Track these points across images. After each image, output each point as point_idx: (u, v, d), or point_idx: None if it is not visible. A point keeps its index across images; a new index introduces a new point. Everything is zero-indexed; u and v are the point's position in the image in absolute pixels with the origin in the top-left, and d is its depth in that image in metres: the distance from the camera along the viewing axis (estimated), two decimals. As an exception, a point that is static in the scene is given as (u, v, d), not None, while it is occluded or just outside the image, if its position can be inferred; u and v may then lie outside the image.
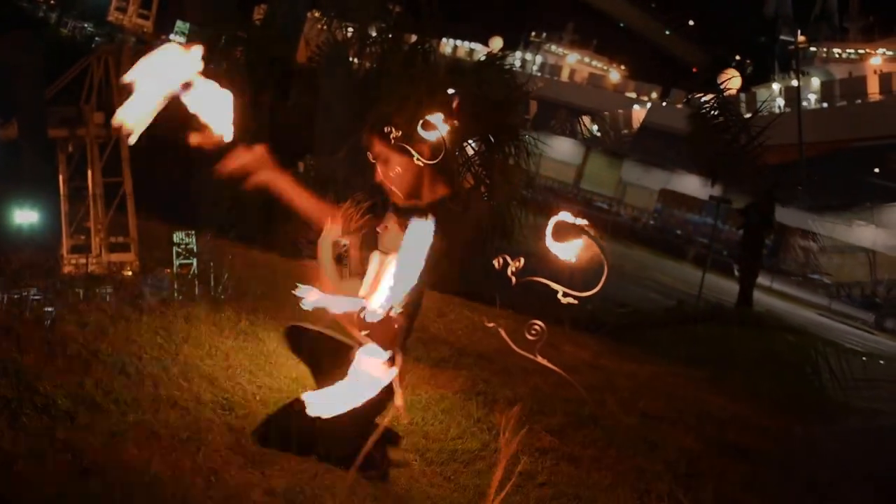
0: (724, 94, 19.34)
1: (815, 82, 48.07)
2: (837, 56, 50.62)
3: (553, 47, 63.39)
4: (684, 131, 20.06)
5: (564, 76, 61.05)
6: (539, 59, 62.19)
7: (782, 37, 54.41)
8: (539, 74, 56.33)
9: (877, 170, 38.49)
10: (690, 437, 5.72)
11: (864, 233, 39.06)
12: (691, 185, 41.60)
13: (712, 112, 18.38)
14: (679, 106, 48.96)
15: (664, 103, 52.12)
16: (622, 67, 62.67)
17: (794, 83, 45.28)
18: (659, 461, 4.94)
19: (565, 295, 3.14)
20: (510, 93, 10.61)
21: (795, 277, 34.09)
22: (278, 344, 4.85)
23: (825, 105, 46.28)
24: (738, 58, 55.26)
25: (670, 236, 38.59)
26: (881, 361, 14.43)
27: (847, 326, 24.02)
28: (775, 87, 48.52)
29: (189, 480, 2.97)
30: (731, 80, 21.57)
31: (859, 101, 44.12)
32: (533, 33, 62.86)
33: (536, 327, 3.13)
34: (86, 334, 4.17)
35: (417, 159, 3.41)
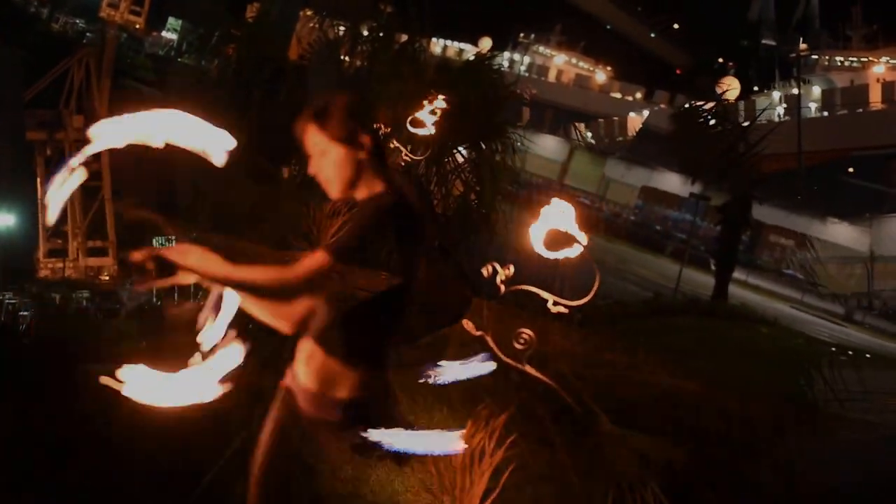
0: (723, 102, 19.17)
1: (816, 90, 46.28)
2: (840, 64, 48.25)
3: (541, 48, 63.33)
4: (682, 139, 19.56)
5: (552, 77, 61.05)
6: (527, 59, 62.17)
7: (764, 41, 54.20)
8: (527, 74, 56.27)
9: (878, 179, 37.28)
10: (664, 424, 5.75)
11: (840, 231, 39.22)
12: (671, 182, 41.74)
13: (711, 120, 18.19)
14: (663, 107, 48.97)
15: (656, 107, 51.52)
16: (608, 68, 62.64)
17: (795, 91, 43.62)
18: (632, 446, 4.97)
19: (555, 304, 3.09)
20: (498, 92, 10.59)
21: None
22: (260, 336, 4.84)
23: (826, 113, 44.55)
24: (720, 60, 55.30)
25: (650, 231, 38.73)
26: (849, 352, 14.55)
27: (817, 318, 24.19)
28: (775, 94, 46.42)
29: (166, 457, 2.97)
30: (730, 90, 20.97)
31: (861, 109, 42.44)
32: (521, 34, 62.79)
33: (525, 336, 3.07)
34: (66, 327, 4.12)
35: (406, 155, 3.36)
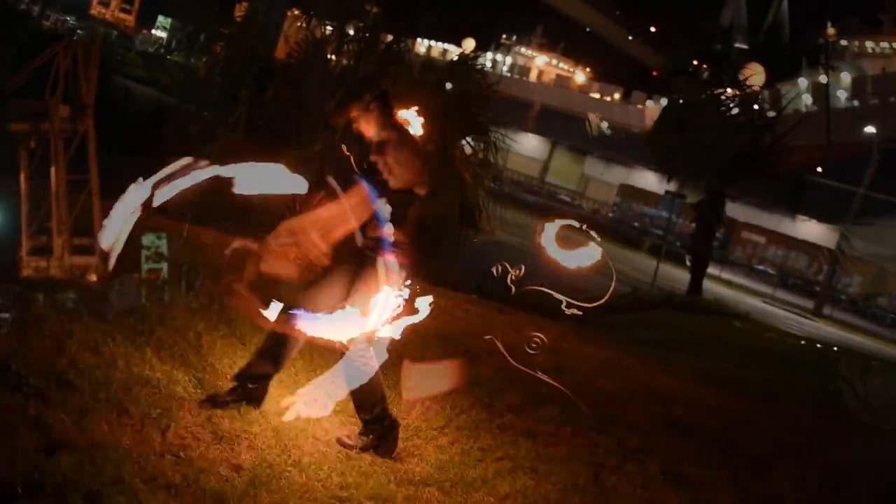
0: (747, 90, 18.45)
1: (846, 78, 42.67)
2: (870, 51, 44.24)
3: (523, 49, 63.39)
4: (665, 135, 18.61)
5: (533, 77, 61.17)
6: (509, 60, 62.20)
7: (736, 44, 54.06)
8: (509, 75, 56.24)
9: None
10: (641, 415, 5.76)
11: (809, 229, 39.48)
12: (649, 180, 41.91)
13: (732, 109, 17.63)
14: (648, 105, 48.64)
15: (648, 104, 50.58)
16: (587, 69, 62.81)
17: (823, 79, 38.95)
18: (611, 437, 4.97)
19: (569, 305, 3.03)
20: (481, 91, 10.55)
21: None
22: (251, 326, 4.78)
23: (856, 103, 40.96)
24: (695, 63, 55.23)
25: (628, 228, 38.84)
26: (818, 344, 14.68)
27: (788, 313, 24.38)
28: (802, 82, 41.14)
29: (158, 457, 2.91)
30: (755, 76, 19.73)
31: (893, 98, 39.11)
32: (504, 36, 62.80)
33: (537, 340, 2.99)
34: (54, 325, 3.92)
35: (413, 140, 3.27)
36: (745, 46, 51.91)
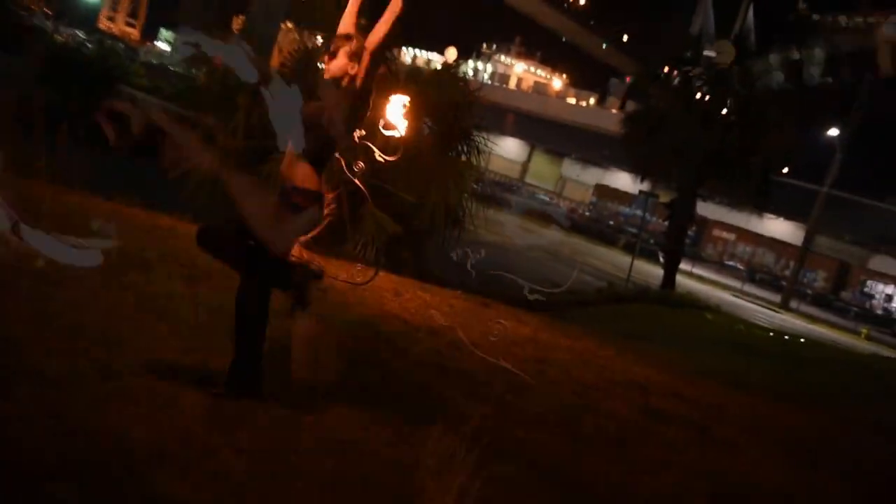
0: (716, 67, 18.47)
1: (819, 54, 38.22)
2: (844, 26, 41.34)
3: (502, 58, 63.61)
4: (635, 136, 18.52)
5: (512, 84, 61.36)
6: (490, 68, 62.41)
7: (705, 52, 54.14)
8: (490, 82, 56.37)
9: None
10: (619, 404, 5.81)
11: (776, 226, 39.77)
12: (623, 181, 42.12)
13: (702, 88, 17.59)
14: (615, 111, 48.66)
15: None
16: (564, 76, 63.13)
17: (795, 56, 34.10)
18: (591, 425, 5.01)
19: (531, 291, 3.08)
20: (463, 97, 10.60)
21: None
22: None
23: (830, 80, 37.29)
24: (666, 69, 55.46)
25: (603, 226, 39.01)
26: (786, 336, 14.81)
27: (756, 306, 24.58)
28: (773, 59, 40.85)
29: (164, 442, 2.93)
30: (724, 54, 19.39)
31: (868, 74, 35.26)
32: (484, 45, 63.05)
33: (500, 327, 3.01)
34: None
35: (380, 156, 3.34)
36: (713, 54, 51.68)
